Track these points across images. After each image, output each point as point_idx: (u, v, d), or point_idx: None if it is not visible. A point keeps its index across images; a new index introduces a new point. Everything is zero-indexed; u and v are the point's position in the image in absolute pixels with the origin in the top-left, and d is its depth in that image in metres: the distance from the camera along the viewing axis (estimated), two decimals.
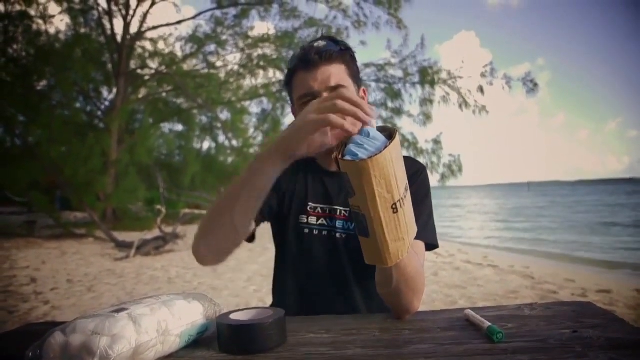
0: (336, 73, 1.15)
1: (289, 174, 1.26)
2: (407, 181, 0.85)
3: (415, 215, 1.07)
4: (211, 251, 1.07)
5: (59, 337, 0.74)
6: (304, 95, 1.15)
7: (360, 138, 0.81)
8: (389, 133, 0.85)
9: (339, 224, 1.24)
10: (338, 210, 1.25)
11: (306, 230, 1.25)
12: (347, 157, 0.78)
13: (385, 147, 0.78)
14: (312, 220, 1.25)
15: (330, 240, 1.24)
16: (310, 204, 1.26)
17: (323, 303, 1.22)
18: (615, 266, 8.03)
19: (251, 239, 1.22)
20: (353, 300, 1.24)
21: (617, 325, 0.88)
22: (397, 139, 0.82)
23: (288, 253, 1.27)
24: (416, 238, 1.11)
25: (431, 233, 1.20)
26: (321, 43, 1.17)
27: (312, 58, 1.14)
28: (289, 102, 1.30)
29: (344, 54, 1.18)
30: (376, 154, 0.76)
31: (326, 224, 1.25)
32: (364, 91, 1.26)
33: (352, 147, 0.79)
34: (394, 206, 0.80)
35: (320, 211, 1.26)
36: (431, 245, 1.20)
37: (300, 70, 1.17)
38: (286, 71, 1.23)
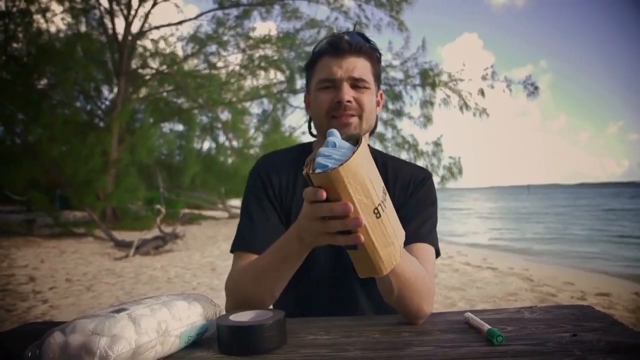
0: (361, 67, 1.16)
1: (288, 181, 1.25)
2: (383, 184, 0.83)
3: (421, 220, 1.07)
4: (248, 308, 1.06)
5: (58, 337, 0.74)
6: (325, 80, 1.16)
7: (326, 150, 0.77)
8: (355, 140, 0.81)
9: None
10: None
11: None
12: (318, 170, 0.75)
13: (353, 152, 0.75)
14: None
15: (333, 247, 1.23)
16: None
17: (327, 309, 1.19)
18: (614, 270, 8.02)
19: None
20: (357, 306, 1.23)
21: (616, 329, 0.88)
22: (364, 143, 0.79)
23: None
24: (424, 241, 1.13)
25: (435, 240, 1.19)
26: (351, 35, 1.17)
27: (342, 45, 1.14)
28: (305, 89, 1.29)
29: (372, 51, 1.19)
30: (345, 161, 0.73)
31: None
32: (380, 95, 1.26)
33: (320, 159, 0.76)
34: (375, 211, 0.77)
35: None
36: (436, 252, 1.19)
37: (327, 54, 1.17)
38: (310, 57, 1.23)
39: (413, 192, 1.23)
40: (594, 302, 4.84)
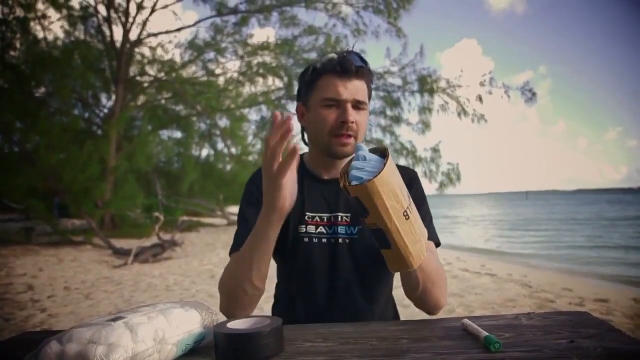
0: (362, 89, 1.22)
1: None
2: (406, 188, 0.93)
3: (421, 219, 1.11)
4: (242, 311, 1.14)
5: (54, 346, 0.73)
6: (331, 99, 1.20)
7: (358, 163, 0.89)
8: (381, 152, 0.93)
9: (341, 229, 1.26)
10: (339, 217, 1.27)
11: (306, 239, 1.26)
12: (354, 182, 0.86)
13: (384, 164, 0.87)
14: (311, 229, 1.27)
15: (331, 247, 1.26)
16: (307, 213, 1.28)
17: (326, 309, 1.24)
18: (612, 276, 8.02)
19: None
20: (356, 305, 1.26)
21: (614, 335, 0.88)
22: (390, 155, 0.90)
23: (289, 263, 1.28)
24: (429, 239, 1.19)
25: (435, 233, 1.29)
26: (355, 57, 1.21)
27: (350, 68, 1.19)
28: (298, 102, 1.32)
29: (369, 73, 1.25)
30: (379, 173, 0.85)
31: (325, 231, 1.27)
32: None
33: (354, 172, 0.88)
34: (405, 213, 0.89)
35: (318, 220, 1.27)
36: (437, 244, 1.29)
37: (332, 74, 1.20)
38: (311, 69, 1.25)
39: None
40: (592, 308, 4.84)
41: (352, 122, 1.19)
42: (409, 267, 0.93)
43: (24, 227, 12.99)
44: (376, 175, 0.84)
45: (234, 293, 1.11)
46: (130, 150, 14.42)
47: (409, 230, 0.90)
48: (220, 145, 19.44)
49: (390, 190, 0.86)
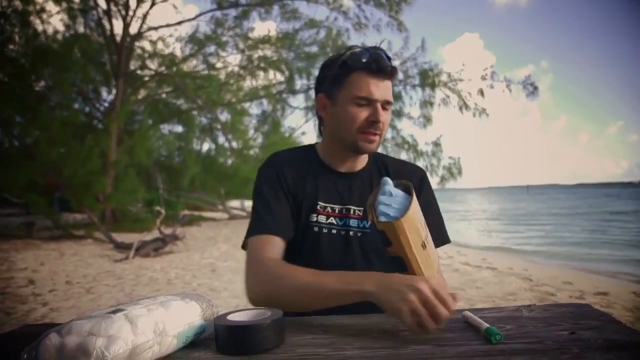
0: (390, 88, 1.23)
1: (299, 177, 1.29)
2: (424, 219, 1.01)
3: (430, 220, 1.15)
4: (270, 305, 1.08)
5: (54, 338, 0.73)
6: (363, 98, 1.19)
7: (385, 198, 0.96)
8: (404, 187, 1.01)
9: (353, 222, 1.27)
10: (352, 210, 1.28)
11: (315, 229, 1.26)
12: (382, 218, 0.94)
13: (409, 203, 0.95)
14: (322, 219, 1.27)
15: (341, 238, 1.26)
16: (320, 203, 1.28)
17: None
18: (612, 270, 8.02)
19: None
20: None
21: (614, 327, 0.88)
22: (414, 193, 0.98)
23: (297, 252, 1.27)
24: (437, 242, 1.21)
25: (445, 233, 1.33)
26: (384, 55, 1.20)
27: (385, 68, 1.18)
28: (318, 92, 1.30)
29: (397, 73, 1.24)
30: (406, 213, 0.93)
31: (336, 222, 1.27)
32: None
33: (382, 208, 0.95)
34: (422, 244, 0.98)
35: (330, 210, 1.28)
36: (447, 241, 1.33)
37: (365, 72, 1.19)
38: (340, 63, 1.22)
39: (417, 195, 1.26)
40: (593, 301, 4.85)
41: (382, 122, 1.20)
42: None
43: (24, 222, 13.00)
44: (403, 215, 0.92)
45: (283, 302, 1.04)
46: (131, 144, 14.42)
47: (424, 258, 0.98)
48: (221, 140, 19.47)
49: (414, 226, 0.94)
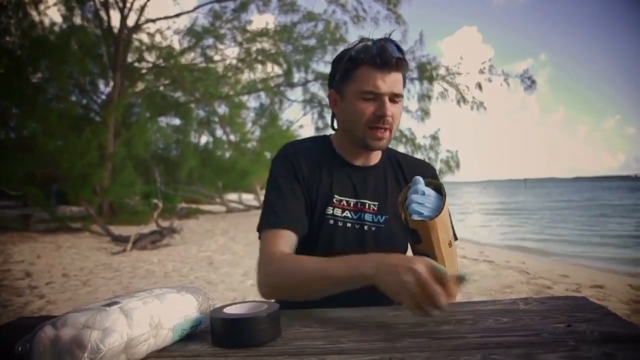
0: (399, 81, 1.20)
1: (314, 168, 1.28)
2: (450, 218, 1.04)
3: None
4: (281, 298, 1.12)
5: (49, 330, 0.73)
6: (369, 92, 1.17)
7: (419, 197, 0.98)
8: (435, 186, 1.03)
9: (367, 217, 1.27)
10: (367, 204, 1.28)
11: (331, 222, 1.26)
12: (415, 217, 0.96)
13: (443, 203, 0.97)
14: (338, 212, 1.26)
15: (356, 233, 1.26)
16: (336, 196, 1.27)
17: (345, 294, 1.22)
18: (608, 263, 8.06)
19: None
20: (374, 292, 1.25)
21: (610, 320, 0.88)
22: (446, 194, 1.00)
23: (311, 244, 1.26)
24: None
25: (453, 229, 1.30)
26: (393, 47, 1.18)
27: (390, 60, 1.16)
28: (330, 88, 1.30)
29: (407, 64, 1.22)
30: (440, 212, 0.95)
31: (350, 216, 1.27)
32: None
33: (415, 207, 0.97)
34: (449, 243, 1.00)
35: (345, 204, 1.27)
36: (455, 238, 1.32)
37: (371, 65, 1.17)
38: (347, 57, 1.21)
39: None
40: (589, 294, 4.86)
41: (389, 116, 1.18)
42: None
43: (21, 214, 13.00)
44: (437, 215, 0.94)
45: (291, 292, 1.09)
46: (128, 137, 14.37)
47: (450, 257, 1.00)
48: (219, 133, 19.46)
49: (445, 225, 0.97)
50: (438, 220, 0.94)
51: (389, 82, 1.17)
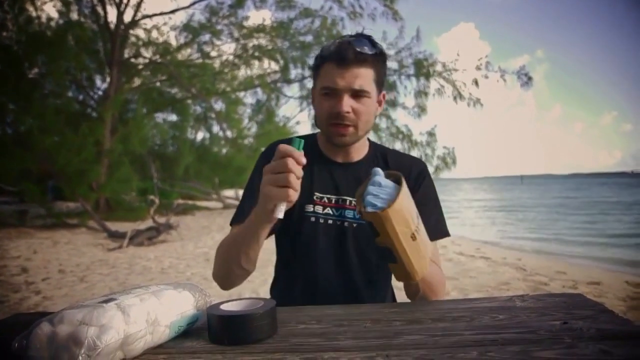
0: (363, 76, 1.17)
1: None
2: (417, 210, 1.00)
3: (428, 213, 1.18)
4: (232, 286, 1.23)
5: (45, 327, 0.73)
6: (327, 88, 1.18)
7: (374, 189, 0.94)
8: (395, 178, 0.98)
9: (348, 213, 1.27)
10: (348, 201, 1.27)
11: (312, 219, 1.26)
12: (369, 209, 0.92)
13: (397, 193, 0.93)
14: (319, 209, 1.27)
15: (337, 229, 1.26)
16: (316, 193, 1.28)
17: (327, 290, 1.25)
18: (605, 260, 8.08)
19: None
20: (356, 288, 1.27)
21: (607, 317, 0.88)
22: (404, 183, 0.96)
23: (292, 242, 1.28)
24: (435, 236, 1.22)
25: (444, 226, 1.30)
26: (358, 42, 1.17)
27: (347, 55, 1.15)
28: (313, 86, 1.31)
29: (377, 58, 1.19)
30: (393, 203, 0.91)
31: (332, 213, 1.27)
32: (383, 95, 1.28)
33: (370, 198, 0.93)
34: (412, 236, 0.96)
35: (326, 201, 1.28)
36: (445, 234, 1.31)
37: (331, 62, 1.18)
38: (317, 56, 1.24)
39: (415, 187, 1.28)
40: (586, 291, 4.88)
41: (348, 112, 1.17)
42: (413, 280, 1.01)
43: (18, 210, 12.95)
44: (390, 205, 0.91)
45: (224, 269, 1.18)
46: (125, 133, 14.32)
47: (414, 250, 0.97)
48: (215, 129, 19.41)
49: (401, 217, 0.93)
50: (392, 211, 0.90)
51: (348, 77, 1.15)
